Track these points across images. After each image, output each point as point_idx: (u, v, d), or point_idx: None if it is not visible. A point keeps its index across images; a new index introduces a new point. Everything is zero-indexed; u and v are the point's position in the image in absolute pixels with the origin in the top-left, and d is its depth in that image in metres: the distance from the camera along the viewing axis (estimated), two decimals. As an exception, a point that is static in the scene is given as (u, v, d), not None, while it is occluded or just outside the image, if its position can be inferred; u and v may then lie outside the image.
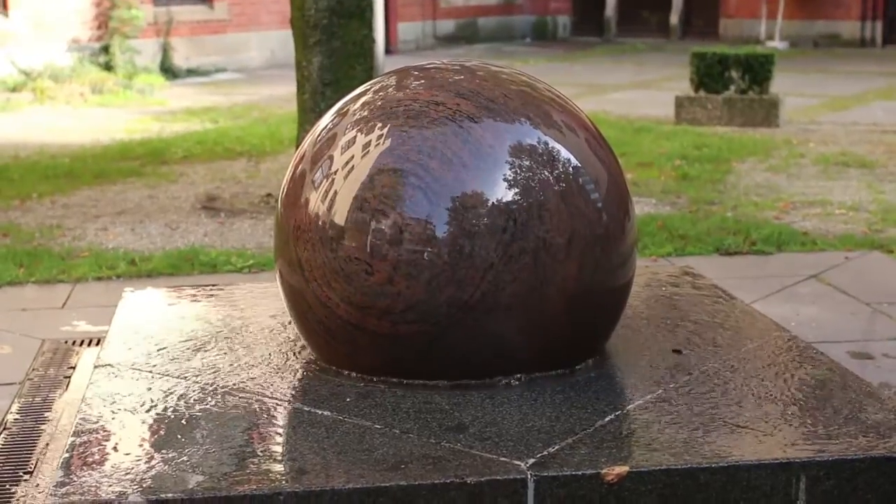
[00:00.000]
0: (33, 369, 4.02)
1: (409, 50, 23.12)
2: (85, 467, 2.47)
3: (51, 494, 2.35)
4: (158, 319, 3.57)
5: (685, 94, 12.39)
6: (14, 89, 15.22)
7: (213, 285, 4.09)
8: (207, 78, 18.81)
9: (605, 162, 3.08)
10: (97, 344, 4.29)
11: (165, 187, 8.35)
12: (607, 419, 2.73)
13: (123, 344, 3.32)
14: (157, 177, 8.81)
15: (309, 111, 7.21)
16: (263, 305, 3.70)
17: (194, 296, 3.89)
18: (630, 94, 15.44)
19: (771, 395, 2.87)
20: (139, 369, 3.10)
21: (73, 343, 4.40)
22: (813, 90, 14.40)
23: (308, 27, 7.20)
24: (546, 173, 2.92)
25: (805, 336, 3.41)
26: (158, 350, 3.26)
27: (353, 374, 2.99)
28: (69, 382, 3.85)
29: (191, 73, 19.04)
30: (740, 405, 2.80)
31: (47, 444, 3.26)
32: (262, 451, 2.57)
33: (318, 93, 7.15)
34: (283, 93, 14.71)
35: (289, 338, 3.32)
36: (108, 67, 16.98)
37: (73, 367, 4.02)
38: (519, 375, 2.95)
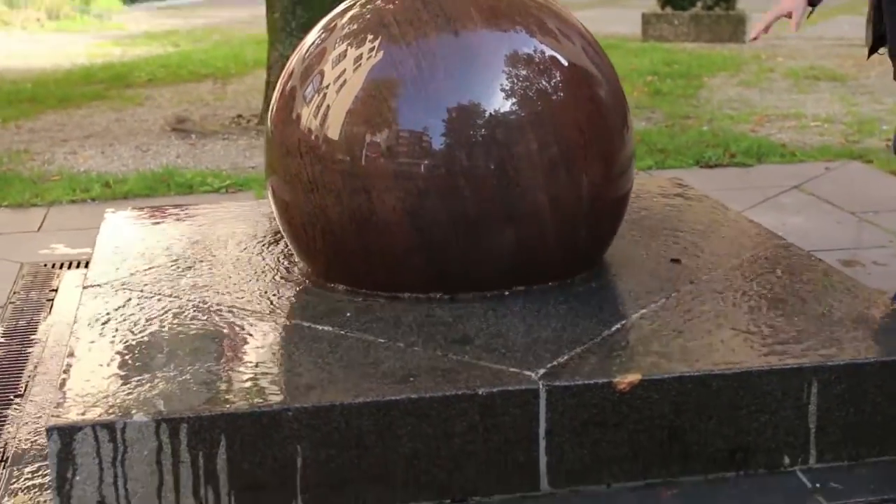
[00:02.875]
0: (14, 293, 3.94)
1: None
2: (85, 387, 2.40)
3: (52, 416, 2.28)
4: (143, 239, 3.49)
5: (652, 11, 12.29)
6: (-33, 15, 14.91)
7: (195, 205, 4.01)
8: (165, 2, 18.50)
9: (602, 70, 3.01)
10: (77, 266, 4.22)
11: (132, 110, 8.18)
12: (613, 329, 2.69)
13: (110, 264, 3.24)
14: (122, 100, 8.64)
15: (280, 30, 7.05)
16: (249, 223, 3.63)
17: (177, 215, 3.80)
18: (596, 11, 15.31)
19: (777, 301, 2.83)
20: (129, 289, 3.02)
21: (53, 266, 4.31)
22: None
23: (276, -57, 7.04)
24: (543, 83, 2.85)
25: (779, 235, 3.38)
26: (147, 269, 3.18)
27: (351, 289, 2.93)
28: (52, 305, 3.77)
29: (148, -4, 18.73)
30: (746, 312, 2.77)
31: (35, 367, 3.19)
32: (265, 368, 2.50)
33: (288, 11, 6.99)
34: (243, 15, 14.51)
35: (280, 255, 3.25)
36: (63, -8, 16.63)
37: (55, 290, 3.94)
38: (520, 287, 2.90)
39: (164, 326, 2.73)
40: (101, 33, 13.99)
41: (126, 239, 3.50)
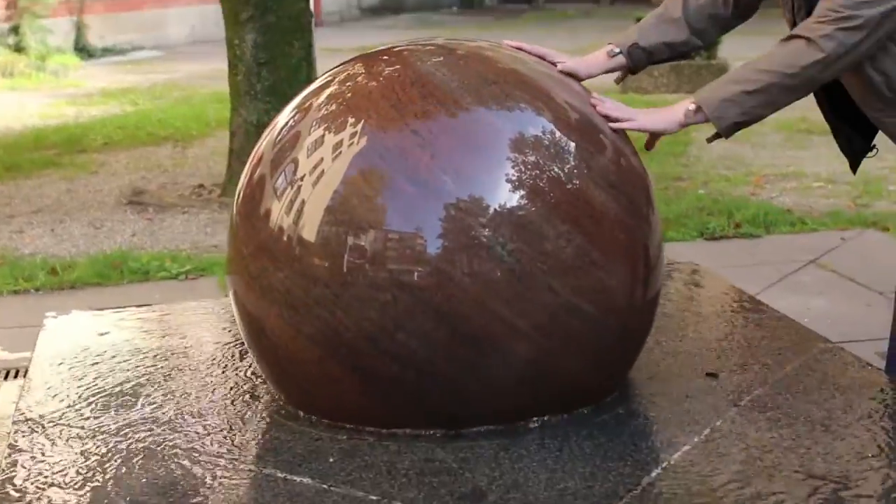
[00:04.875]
0: (-61, 414, 3.42)
1: (333, 22, 22.44)
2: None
3: None
4: (87, 354, 3.01)
5: (628, 62, 11.88)
6: (-83, 75, 14.36)
7: (147, 305, 3.53)
8: (124, 56, 17.99)
9: (618, 147, 2.55)
10: (15, 376, 3.71)
11: (86, 180, 7.65)
12: (654, 474, 2.21)
13: (47, 390, 2.76)
14: (75, 168, 8.11)
15: (243, 94, 6.57)
16: (209, 330, 3.17)
17: (126, 320, 3.32)
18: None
19: (843, 429, 2.37)
20: (68, 425, 2.54)
21: (-13, 376, 3.81)
22: (757, 53, 13.99)
23: (239, 1, 6.58)
24: (556, 169, 2.38)
25: (822, 335, 2.91)
26: (90, 396, 2.70)
27: (332, 424, 2.45)
28: (-17, 430, 3.26)
29: (107, 51, 18.19)
30: (809, 448, 2.30)
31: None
32: (231, 545, 2.01)
33: (252, 73, 6.51)
34: (204, 70, 14.03)
35: (245, 373, 2.78)
36: (18, 49, 16.08)
37: (-13, 409, 3.43)
38: (535, 419, 2.42)
39: (106, 481, 2.24)
40: (56, 91, 13.46)
41: (67, 353, 3.01)
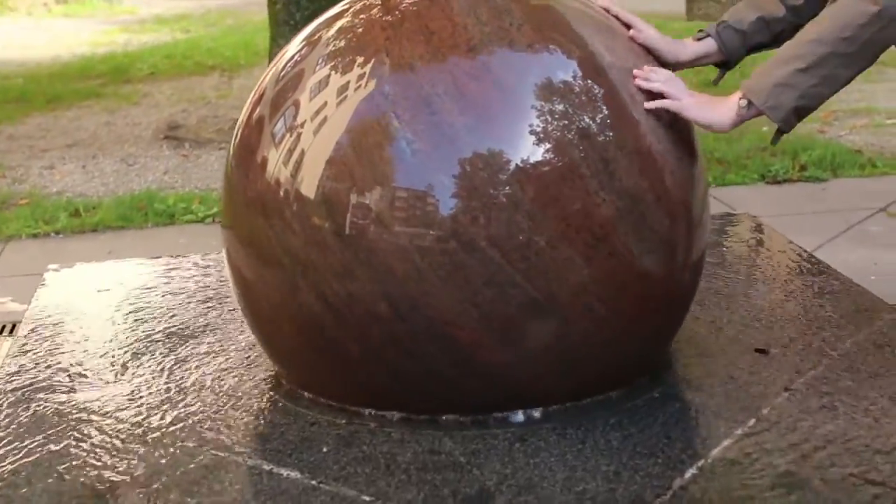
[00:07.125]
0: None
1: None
2: None
3: None
4: (81, 315, 2.82)
5: (697, -12, 11.41)
6: (-28, 0, 14.25)
7: (157, 258, 3.30)
8: (181, -18, 17.77)
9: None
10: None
11: (126, 111, 7.43)
12: (688, 475, 1.94)
13: (33, 356, 2.54)
14: (117, 98, 7.90)
15: (282, 24, 6.31)
16: (215, 289, 2.95)
17: (131, 275, 3.10)
18: (632, -13, 14.42)
19: (909, 423, 2.08)
20: (48, 402, 2.31)
21: (-2, 330, 3.61)
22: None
23: (278, -74, 6.32)
24: (587, 120, 2.08)
25: (894, 296, 2.61)
26: (73, 364, 2.49)
27: (330, 404, 2.20)
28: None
29: (163, -24, 17.99)
30: (869, 443, 2.01)
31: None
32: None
33: (292, 2, 6.24)
34: (260, -4, 13.74)
35: (245, 344, 2.53)
36: (73, -26, 15.94)
37: (-13, 368, 3.21)
38: (554, 406, 2.15)
39: (83, 467, 2.02)
40: (109, 18, 13.28)
41: (61, 314, 2.82)
